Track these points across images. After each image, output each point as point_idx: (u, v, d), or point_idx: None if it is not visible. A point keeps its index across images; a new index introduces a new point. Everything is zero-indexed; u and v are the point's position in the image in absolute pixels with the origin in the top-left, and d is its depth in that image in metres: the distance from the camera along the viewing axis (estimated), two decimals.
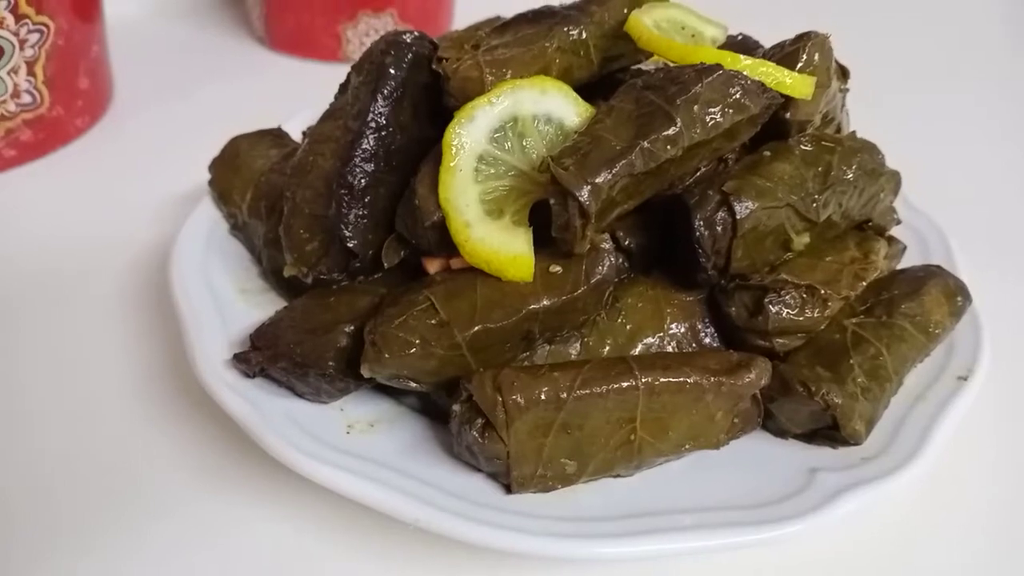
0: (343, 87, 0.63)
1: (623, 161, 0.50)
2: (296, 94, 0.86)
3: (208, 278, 0.64)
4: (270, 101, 0.93)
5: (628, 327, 0.57)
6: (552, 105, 0.56)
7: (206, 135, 0.75)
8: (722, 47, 0.63)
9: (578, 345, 0.56)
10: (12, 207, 0.83)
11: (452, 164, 0.54)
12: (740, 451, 0.55)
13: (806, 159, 0.58)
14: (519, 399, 0.49)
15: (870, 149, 0.62)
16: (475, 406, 0.50)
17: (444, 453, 0.54)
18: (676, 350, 0.57)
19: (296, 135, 0.75)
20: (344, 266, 0.58)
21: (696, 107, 0.52)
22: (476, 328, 0.52)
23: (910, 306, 0.59)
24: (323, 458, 0.51)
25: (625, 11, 0.63)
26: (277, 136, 0.73)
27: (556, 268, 0.54)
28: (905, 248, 0.65)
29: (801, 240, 0.57)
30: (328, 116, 0.62)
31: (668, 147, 0.51)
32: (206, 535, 0.55)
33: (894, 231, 0.67)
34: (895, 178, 0.63)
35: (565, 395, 0.49)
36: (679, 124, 0.51)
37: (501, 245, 0.53)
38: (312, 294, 0.59)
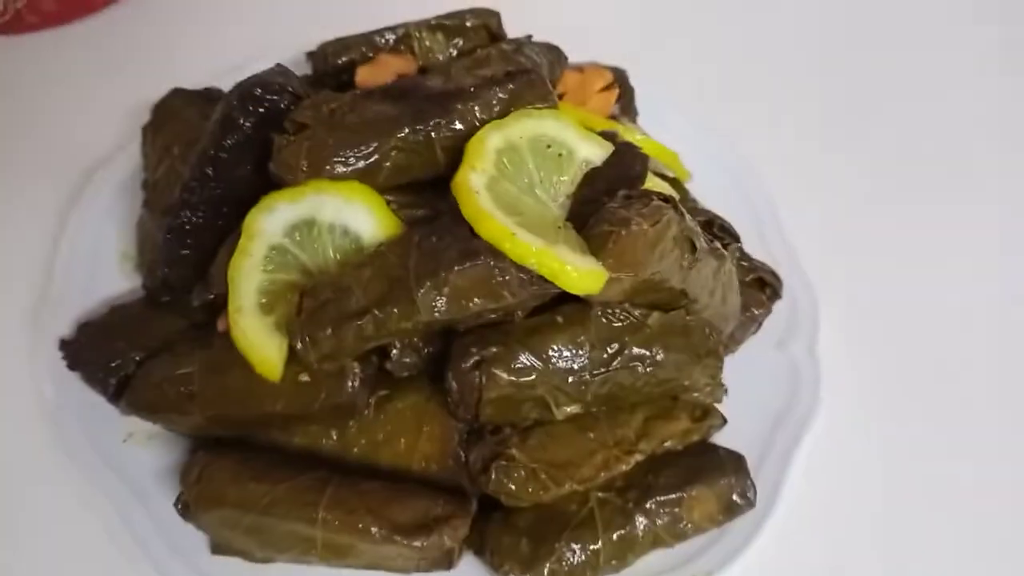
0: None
1: (351, 324, 0.51)
2: None
3: (98, 236, 0.71)
4: None
5: (387, 428, 0.59)
6: (352, 218, 0.56)
7: (233, 22, 0.78)
8: (598, 166, 0.59)
9: (335, 433, 0.60)
10: (21, 73, 0.90)
11: (245, 248, 0.57)
12: None
13: (599, 335, 0.56)
14: (210, 495, 0.54)
15: (694, 331, 0.58)
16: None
17: None
18: (422, 466, 0.59)
19: None
20: (167, 293, 0.63)
21: (444, 292, 0.51)
22: (212, 412, 0.57)
23: (666, 500, 0.58)
24: (87, 468, 0.60)
25: (496, 109, 0.59)
26: (208, 100, 0.75)
27: (305, 377, 0.56)
28: (721, 426, 0.62)
29: (563, 411, 0.57)
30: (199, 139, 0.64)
31: (401, 322, 0.51)
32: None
33: None
34: (720, 361, 0.59)
35: (252, 507, 0.54)
36: (417, 305, 0.51)
37: (258, 342, 0.56)
38: (141, 301, 0.66)
